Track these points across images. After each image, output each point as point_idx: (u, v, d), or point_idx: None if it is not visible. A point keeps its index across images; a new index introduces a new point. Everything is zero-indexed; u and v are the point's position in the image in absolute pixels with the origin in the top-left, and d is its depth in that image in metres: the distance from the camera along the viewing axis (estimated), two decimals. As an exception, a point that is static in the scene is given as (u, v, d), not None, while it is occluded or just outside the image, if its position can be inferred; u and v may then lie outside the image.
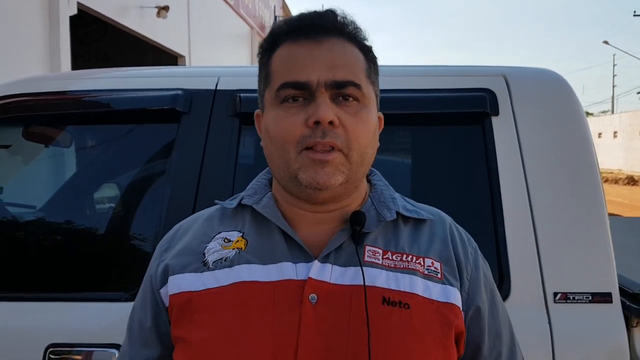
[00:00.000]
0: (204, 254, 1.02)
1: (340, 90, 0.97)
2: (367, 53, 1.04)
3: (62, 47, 7.77)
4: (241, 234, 1.04)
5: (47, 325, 1.58)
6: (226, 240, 1.03)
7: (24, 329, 1.60)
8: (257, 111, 1.09)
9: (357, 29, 1.03)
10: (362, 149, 0.98)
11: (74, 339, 1.55)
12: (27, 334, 1.58)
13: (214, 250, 1.02)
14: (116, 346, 1.51)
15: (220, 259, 1.00)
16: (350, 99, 0.98)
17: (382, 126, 1.10)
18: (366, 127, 0.99)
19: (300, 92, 0.97)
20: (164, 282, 1.03)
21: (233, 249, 1.01)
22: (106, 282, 1.75)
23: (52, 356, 1.53)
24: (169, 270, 1.03)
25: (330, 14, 1.01)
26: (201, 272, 1.00)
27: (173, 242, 1.09)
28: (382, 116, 1.10)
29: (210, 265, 1.00)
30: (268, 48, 1.04)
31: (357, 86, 0.98)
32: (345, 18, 1.02)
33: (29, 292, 1.71)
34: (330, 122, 0.94)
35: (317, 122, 0.94)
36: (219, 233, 1.05)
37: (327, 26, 0.99)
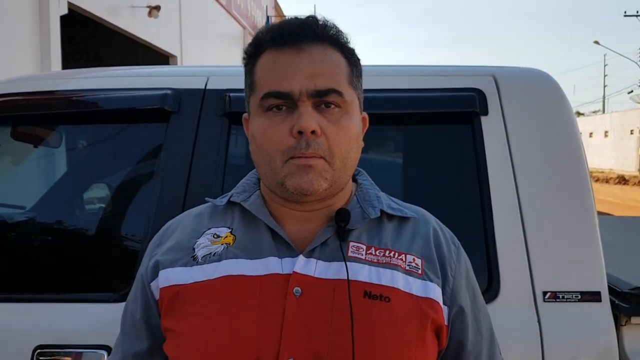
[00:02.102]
0: (193, 249, 1.06)
1: (322, 98, 0.99)
2: (350, 57, 1.06)
3: (53, 47, 7.74)
4: (230, 230, 1.07)
5: (35, 327, 1.57)
6: (215, 236, 1.07)
7: (11, 330, 1.58)
8: (244, 115, 1.14)
9: (339, 32, 1.06)
10: (343, 155, 1.01)
11: (63, 340, 1.53)
12: (15, 335, 1.56)
13: (203, 245, 1.06)
14: (105, 347, 1.50)
15: (209, 253, 1.04)
16: (332, 106, 1.00)
17: (367, 125, 1.14)
18: (347, 133, 1.01)
19: (283, 102, 1.00)
20: (154, 276, 1.07)
21: (222, 244, 1.05)
22: (95, 283, 1.74)
23: (41, 358, 1.52)
24: (160, 265, 1.06)
25: (311, 20, 1.04)
26: (190, 266, 1.04)
27: (164, 238, 1.12)
28: (366, 116, 1.13)
29: (200, 260, 1.04)
30: (252, 54, 1.07)
31: (339, 93, 1.01)
32: (327, 24, 1.05)
33: (16, 293, 1.70)
34: (313, 132, 0.97)
35: (300, 132, 0.97)
36: (208, 229, 1.09)
37: (308, 33, 1.02)
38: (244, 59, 1.10)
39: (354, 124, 1.04)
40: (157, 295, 1.06)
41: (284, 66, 1.00)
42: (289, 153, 0.98)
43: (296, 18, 1.05)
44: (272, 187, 1.04)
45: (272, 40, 1.03)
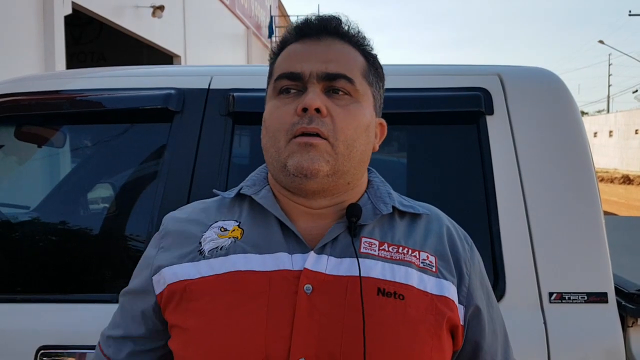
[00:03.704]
0: (200, 243, 1.04)
1: (332, 83, 1.00)
2: (369, 58, 1.08)
3: (57, 47, 7.75)
4: (237, 224, 1.06)
5: (39, 327, 1.56)
6: (223, 229, 1.05)
7: (15, 330, 1.58)
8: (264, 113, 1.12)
9: (362, 37, 1.07)
10: (348, 141, 1.00)
11: (66, 341, 1.53)
12: (18, 335, 1.56)
13: (210, 239, 1.04)
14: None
15: (216, 247, 1.02)
16: (342, 92, 1.01)
17: (385, 134, 1.13)
18: (355, 120, 1.01)
19: (294, 83, 1.01)
20: (158, 269, 1.05)
21: (229, 237, 1.03)
22: (99, 283, 1.73)
23: (44, 358, 1.52)
24: (165, 259, 1.05)
25: (335, 18, 1.05)
26: (197, 260, 1.02)
27: (171, 228, 1.10)
28: (384, 123, 1.13)
29: (206, 254, 1.02)
30: (277, 52, 1.09)
31: (349, 80, 1.01)
32: (350, 25, 1.06)
33: (20, 294, 1.69)
34: (317, 110, 0.97)
35: (304, 110, 0.97)
36: (215, 222, 1.07)
37: (329, 28, 1.04)
38: (270, 57, 1.12)
39: (364, 114, 1.03)
40: (157, 290, 1.04)
41: (300, 52, 1.03)
42: (292, 130, 0.98)
43: (320, 16, 1.07)
44: (276, 172, 1.02)
45: (295, 35, 1.06)
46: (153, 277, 1.05)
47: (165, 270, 1.04)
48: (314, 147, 0.97)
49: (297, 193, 1.03)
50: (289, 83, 1.01)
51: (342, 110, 1.00)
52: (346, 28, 1.06)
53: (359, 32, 1.07)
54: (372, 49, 1.09)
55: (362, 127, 1.02)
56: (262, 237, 1.02)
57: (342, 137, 0.98)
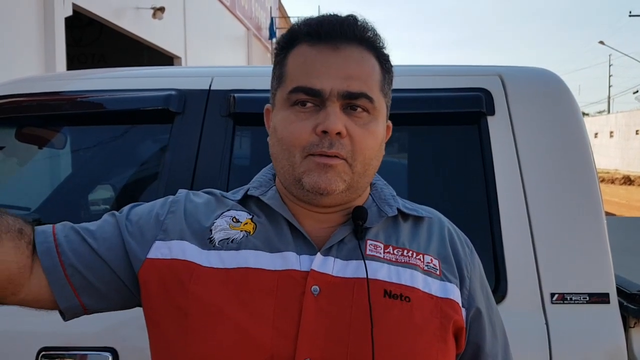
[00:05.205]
0: (210, 231, 1.02)
1: (352, 101, 0.98)
2: (384, 63, 1.04)
3: (58, 49, 7.77)
4: (251, 217, 1.04)
5: (39, 329, 1.56)
6: (235, 220, 1.04)
7: (16, 332, 1.57)
8: (267, 106, 1.10)
9: (376, 36, 1.03)
10: (366, 161, 0.99)
11: (67, 343, 1.52)
12: (19, 337, 1.55)
13: (221, 227, 1.02)
14: (111, 350, 1.49)
15: (227, 238, 1.01)
16: (360, 109, 0.99)
17: (390, 134, 1.12)
18: (373, 139, 1.00)
19: (312, 98, 0.98)
20: (166, 235, 1.02)
21: (241, 230, 1.02)
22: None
23: (45, 360, 1.52)
24: (174, 228, 1.03)
25: (351, 20, 1.01)
26: (207, 249, 1.00)
27: (183, 201, 1.08)
28: (390, 125, 1.12)
29: (217, 244, 1.00)
30: (285, 46, 1.04)
31: (370, 99, 0.99)
32: (366, 25, 1.02)
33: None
34: (338, 133, 0.95)
35: (325, 132, 0.95)
36: (227, 210, 1.05)
37: (347, 33, 0.99)
38: (275, 49, 1.07)
39: (380, 131, 1.02)
40: (155, 254, 1.00)
41: (317, 63, 0.98)
42: (309, 149, 0.96)
43: (335, 15, 1.02)
44: (288, 183, 1.01)
45: (309, 35, 1.00)
46: (156, 241, 1.02)
47: (174, 243, 1.01)
48: (332, 168, 0.96)
49: (307, 202, 1.03)
50: (305, 97, 0.98)
51: (361, 130, 0.98)
52: (362, 28, 1.01)
53: (372, 28, 1.03)
54: (384, 47, 1.05)
55: (378, 144, 1.02)
56: (272, 236, 1.01)
57: (360, 158, 0.98)
